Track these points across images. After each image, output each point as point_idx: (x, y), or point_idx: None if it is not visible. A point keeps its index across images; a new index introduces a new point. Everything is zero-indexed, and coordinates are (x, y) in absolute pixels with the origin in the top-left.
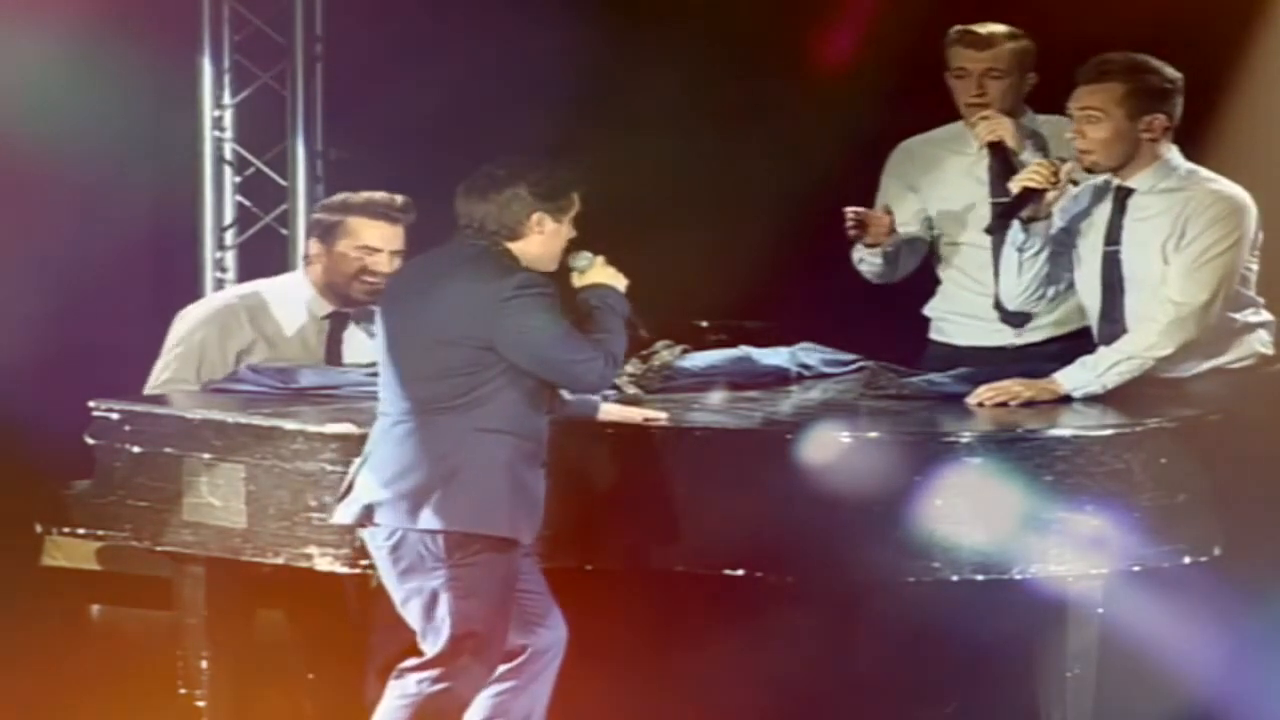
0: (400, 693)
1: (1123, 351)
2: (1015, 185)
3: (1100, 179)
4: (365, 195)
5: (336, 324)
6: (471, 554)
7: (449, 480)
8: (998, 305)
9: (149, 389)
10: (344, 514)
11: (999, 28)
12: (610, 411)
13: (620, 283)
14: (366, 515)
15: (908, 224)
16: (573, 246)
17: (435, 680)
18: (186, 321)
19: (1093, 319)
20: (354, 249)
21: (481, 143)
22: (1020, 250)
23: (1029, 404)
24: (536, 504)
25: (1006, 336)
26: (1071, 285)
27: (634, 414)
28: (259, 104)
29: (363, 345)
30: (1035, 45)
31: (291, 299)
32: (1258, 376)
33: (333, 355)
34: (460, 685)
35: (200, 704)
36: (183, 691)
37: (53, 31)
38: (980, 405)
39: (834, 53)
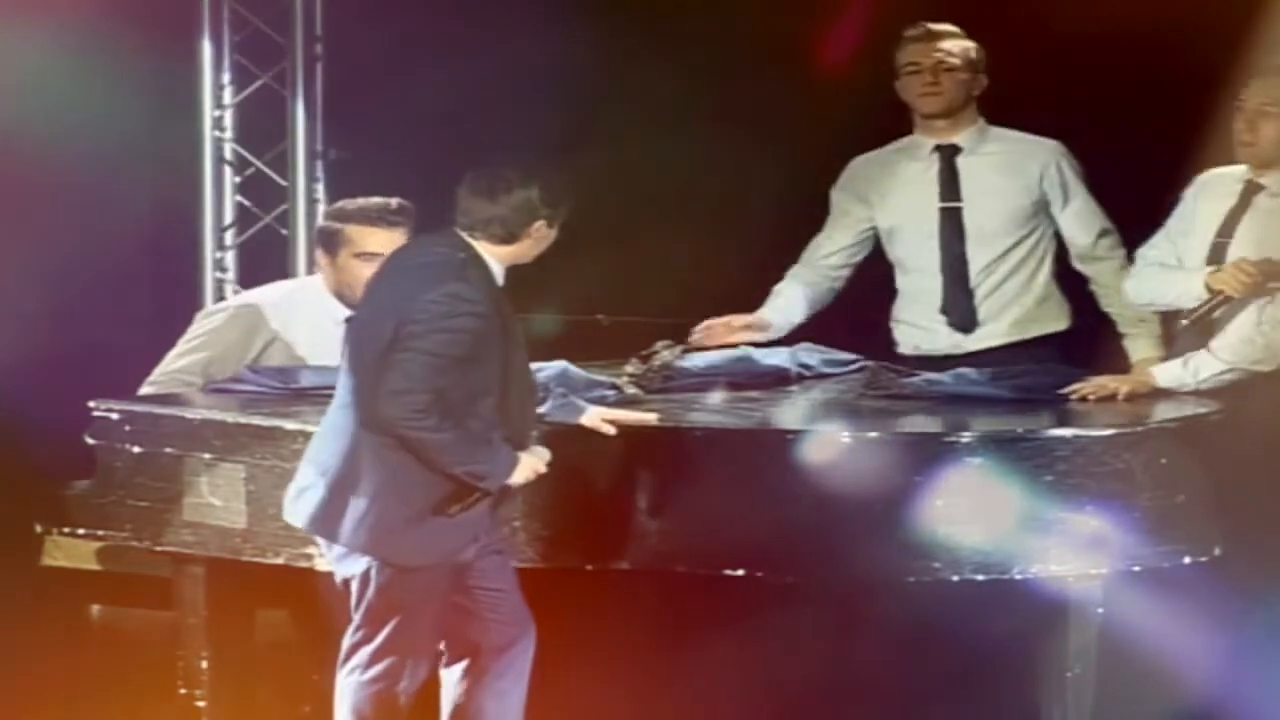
0: (340, 679)
1: (1227, 362)
2: (1216, 285)
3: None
4: (360, 202)
5: None
6: (377, 566)
7: (346, 494)
8: (944, 310)
9: (159, 374)
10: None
11: (951, 26)
12: (595, 416)
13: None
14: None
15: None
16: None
17: (360, 668)
18: (212, 319)
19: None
20: (353, 257)
21: (482, 142)
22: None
23: (1130, 399)
24: (455, 525)
25: (956, 342)
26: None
27: (621, 415)
28: (259, 104)
29: None
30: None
31: (313, 303)
32: (1260, 377)
33: None
34: (386, 678)
35: (200, 704)
36: (183, 691)
37: (52, 30)
38: (1084, 400)
39: (834, 53)
